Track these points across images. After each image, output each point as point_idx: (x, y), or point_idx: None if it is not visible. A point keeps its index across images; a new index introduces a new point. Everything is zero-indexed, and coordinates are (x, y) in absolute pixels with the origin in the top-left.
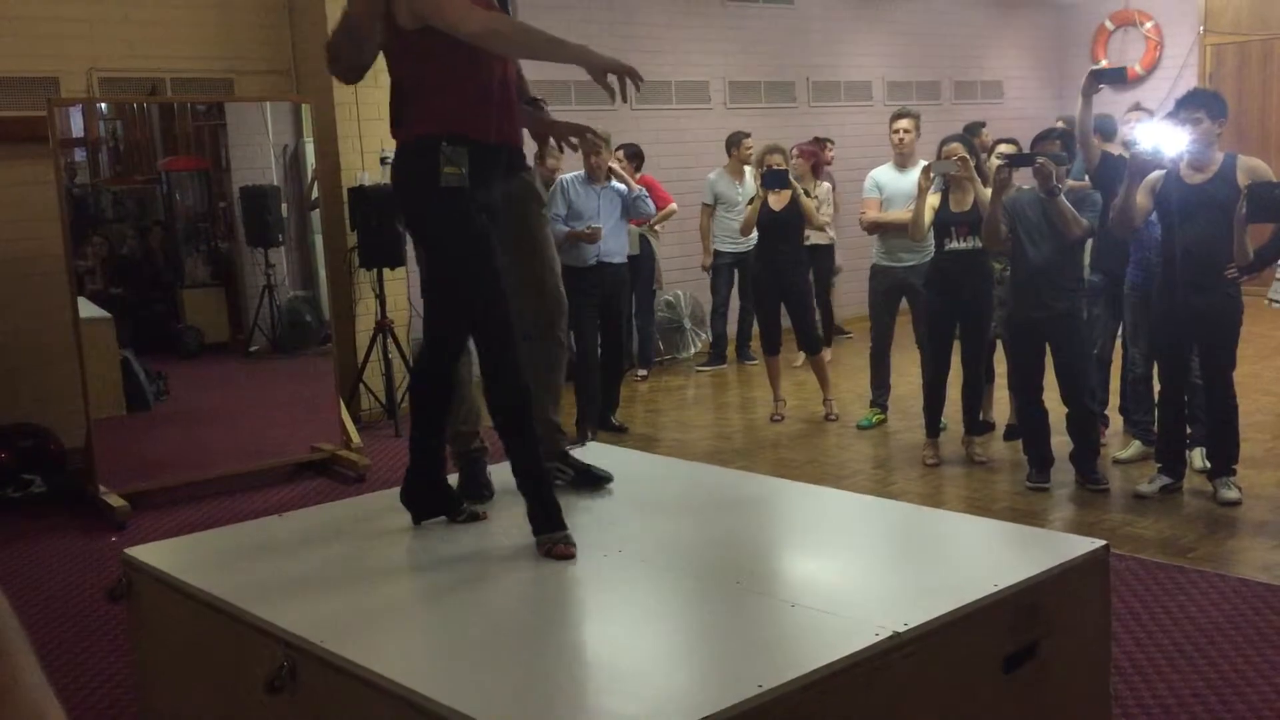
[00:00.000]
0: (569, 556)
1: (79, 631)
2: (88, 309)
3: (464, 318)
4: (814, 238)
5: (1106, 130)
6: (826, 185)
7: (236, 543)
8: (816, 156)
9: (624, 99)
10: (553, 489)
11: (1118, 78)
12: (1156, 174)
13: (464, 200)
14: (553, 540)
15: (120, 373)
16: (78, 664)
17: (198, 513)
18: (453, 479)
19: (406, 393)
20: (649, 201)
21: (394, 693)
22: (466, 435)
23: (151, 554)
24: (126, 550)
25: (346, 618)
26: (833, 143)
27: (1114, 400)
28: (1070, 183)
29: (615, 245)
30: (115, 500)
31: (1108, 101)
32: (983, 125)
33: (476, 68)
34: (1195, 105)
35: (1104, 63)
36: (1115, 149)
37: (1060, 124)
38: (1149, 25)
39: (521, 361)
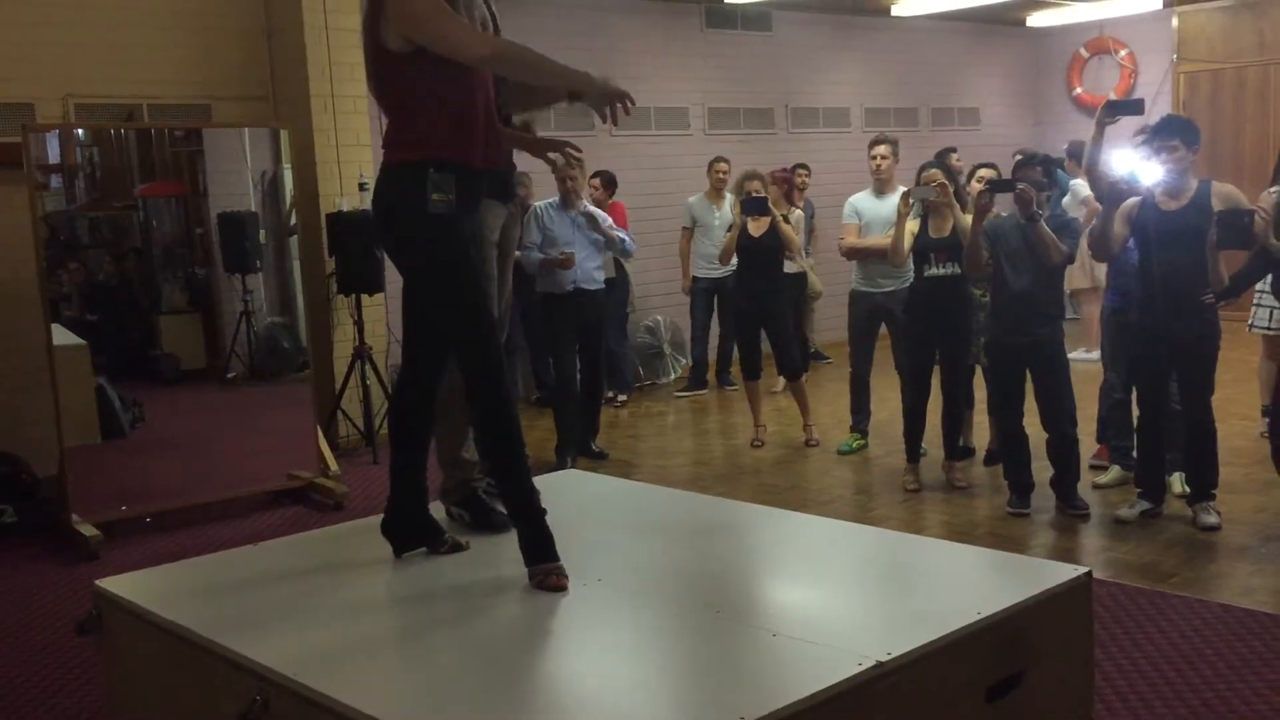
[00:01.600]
0: (561, 588)
1: (50, 664)
2: (62, 335)
3: (445, 343)
4: (786, 265)
5: (1077, 156)
6: (799, 212)
7: (210, 574)
8: (789, 183)
9: (615, 123)
10: (544, 518)
11: (1134, 109)
12: (1132, 201)
13: (451, 227)
14: (545, 572)
15: (95, 400)
16: (49, 698)
17: (172, 542)
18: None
19: (385, 419)
20: (631, 242)
21: None
22: (469, 464)
23: (123, 585)
24: (98, 582)
25: (322, 651)
26: (807, 169)
27: (1088, 425)
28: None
29: (592, 270)
30: (88, 530)
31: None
32: (953, 150)
33: (462, 91)
34: (1170, 133)
35: (1079, 89)
36: (1080, 173)
37: (1018, 156)
38: (1123, 53)
39: (509, 389)
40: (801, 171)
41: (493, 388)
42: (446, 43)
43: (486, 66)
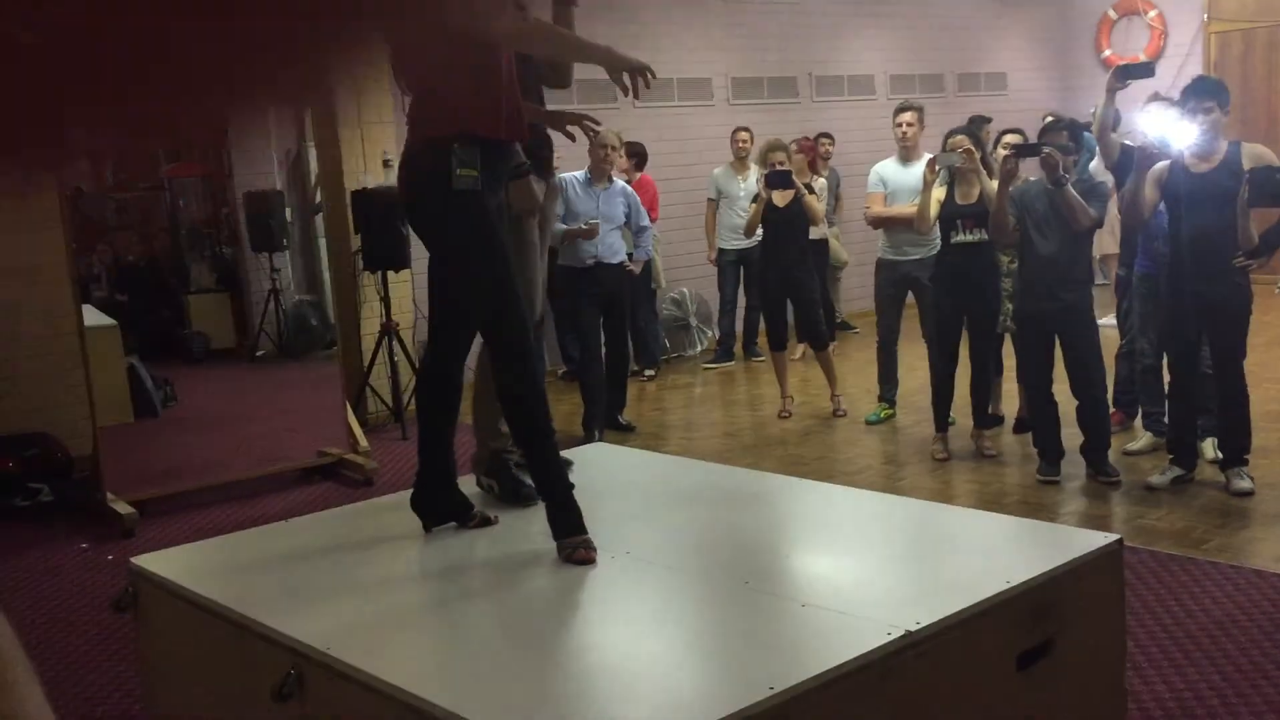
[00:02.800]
0: (589, 561)
1: (87, 641)
2: (93, 316)
3: (471, 318)
4: (811, 233)
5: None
6: (823, 181)
7: (244, 550)
8: (814, 152)
9: (637, 96)
10: (571, 492)
11: (1145, 73)
12: (1162, 165)
13: (478, 202)
14: (574, 545)
15: (126, 380)
16: (85, 674)
17: (206, 519)
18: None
19: (413, 395)
20: (652, 240)
21: (402, 700)
22: (505, 436)
23: (158, 562)
24: (133, 559)
25: (355, 625)
26: (831, 138)
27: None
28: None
29: (614, 244)
30: (123, 508)
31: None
32: (988, 120)
33: (483, 65)
34: (1205, 95)
35: (1108, 51)
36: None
37: (1049, 118)
38: (1153, 14)
39: (535, 365)
40: (825, 141)
41: (518, 364)
42: (474, 23)
43: (512, 45)
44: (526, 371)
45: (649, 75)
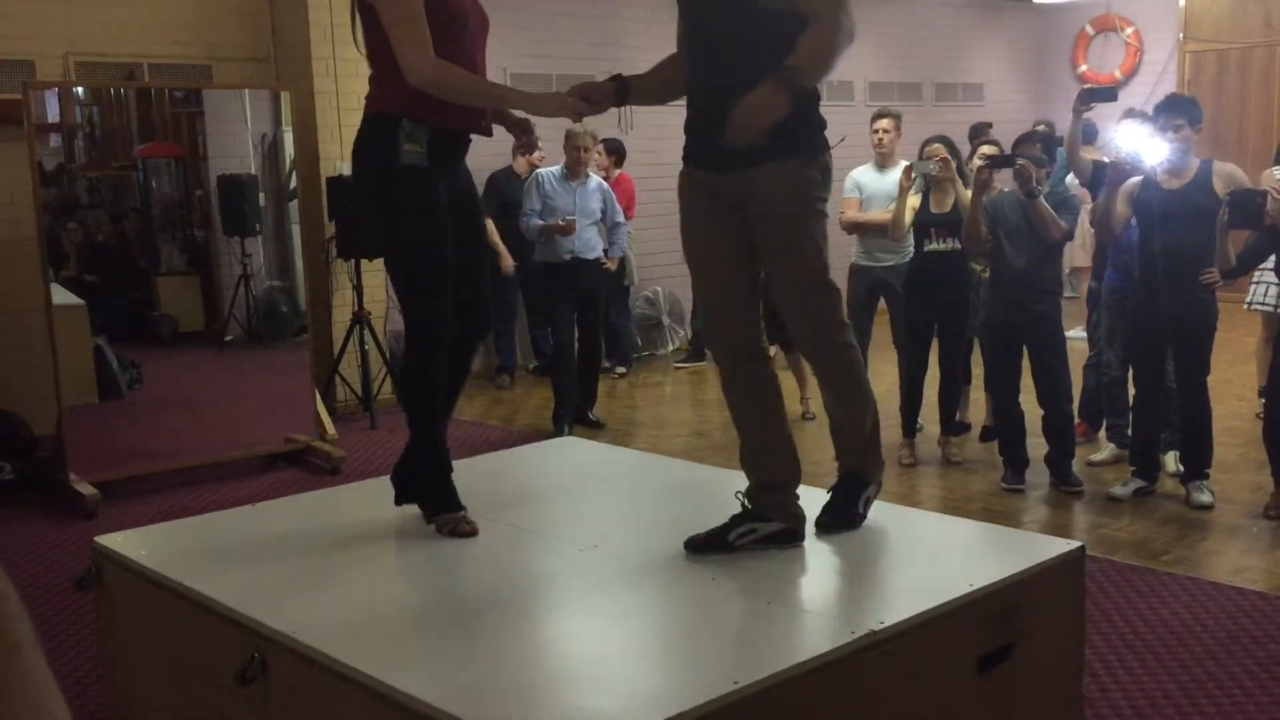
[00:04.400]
0: (473, 533)
1: (48, 620)
2: (61, 295)
3: (442, 278)
4: None
5: (1088, 135)
6: None
7: (210, 533)
8: None
9: (529, 151)
10: (450, 475)
11: (1108, 96)
12: (1134, 180)
13: (425, 179)
14: (454, 520)
15: (93, 360)
16: (47, 652)
17: (170, 502)
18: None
19: (383, 385)
20: (626, 237)
21: (364, 684)
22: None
23: (123, 542)
24: (97, 539)
25: (320, 610)
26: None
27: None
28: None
29: (591, 240)
30: (86, 489)
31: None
32: (989, 126)
33: (455, 52)
34: (1175, 112)
35: (1084, 67)
36: (1093, 154)
37: (1042, 127)
38: (1129, 31)
39: (432, 360)
40: None
41: (416, 348)
42: (398, 50)
43: (428, 90)
44: (419, 361)
45: (582, 108)
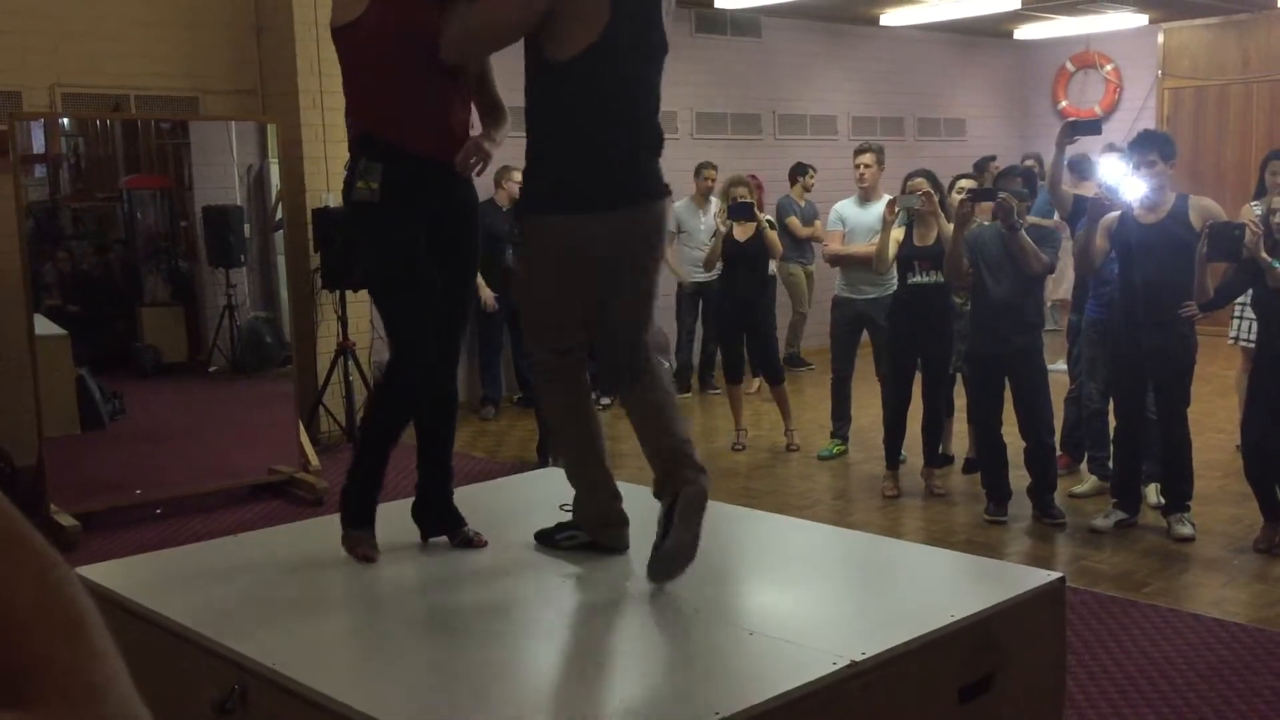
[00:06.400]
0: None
1: None
2: (44, 325)
3: (413, 313)
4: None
5: (1084, 171)
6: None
7: (191, 564)
8: (763, 190)
9: (477, 174)
10: (377, 492)
11: (1092, 129)
12: (1113, 215)
13: (380, 213)
14: (359, 539)
15: (75, 390)
16: None
17: (151, 533)
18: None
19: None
20: None
21: (345, 715)
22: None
23: (103, 573)
24: (77, 569)
25: (301, 642)
26: (814, 169)
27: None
28: (1030, 219)
29: None
30: (67, 520)
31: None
32: (992, 159)
33: (409, 72)
34: (1148, 148)
35: (1065, 103)
36: (1090, 189)
37: (1029, 162)
38: (1109, 68)
39: (396, 396)
40: (811, 171)
41: (396, 367)
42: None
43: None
44: (388, 378)
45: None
